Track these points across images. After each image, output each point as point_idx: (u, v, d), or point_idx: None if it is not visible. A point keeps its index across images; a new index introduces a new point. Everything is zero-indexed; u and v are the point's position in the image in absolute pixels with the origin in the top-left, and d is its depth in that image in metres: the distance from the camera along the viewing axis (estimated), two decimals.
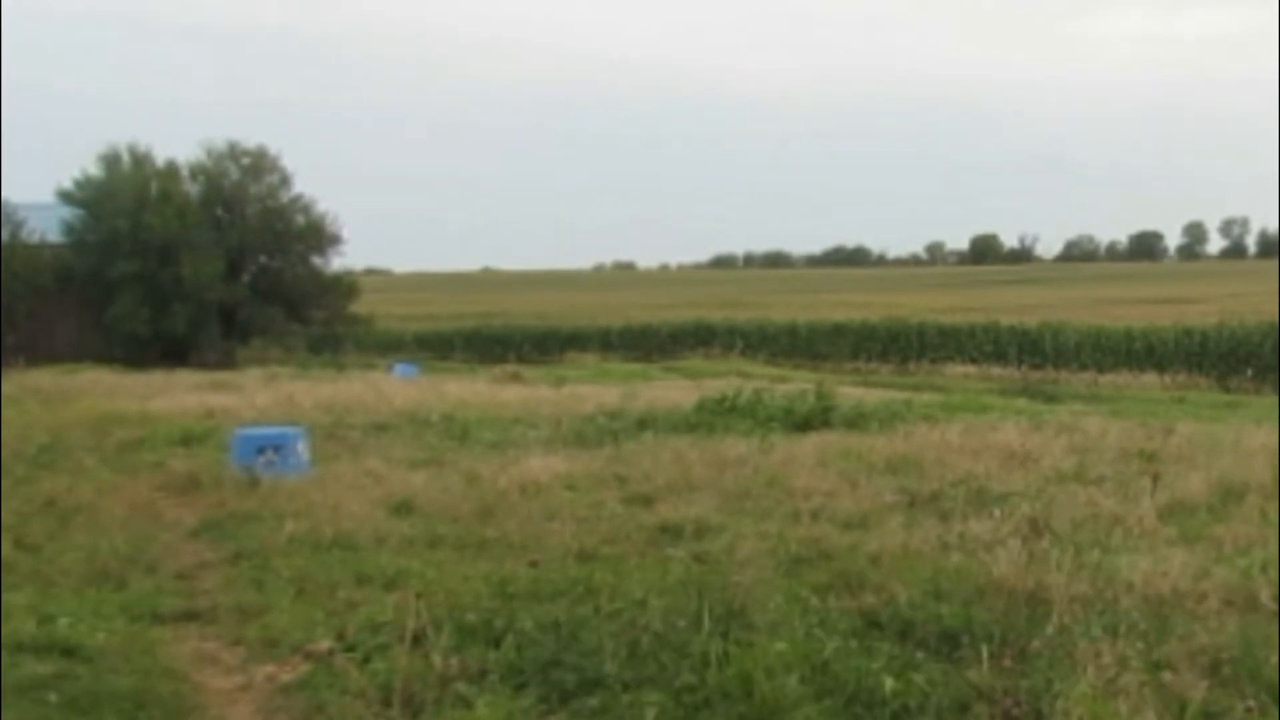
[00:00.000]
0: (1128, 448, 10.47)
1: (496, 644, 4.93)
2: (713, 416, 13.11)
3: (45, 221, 43.60)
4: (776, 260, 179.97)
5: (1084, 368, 31.37)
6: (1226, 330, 28.87)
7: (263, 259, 48.43)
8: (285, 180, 48.65)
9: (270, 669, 5.08)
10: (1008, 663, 4.49)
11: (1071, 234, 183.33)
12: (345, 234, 49.95)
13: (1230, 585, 5.50)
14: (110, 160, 45.06)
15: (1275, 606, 5.19)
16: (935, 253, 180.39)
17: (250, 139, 52.50)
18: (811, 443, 10.87)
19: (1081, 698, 4.05)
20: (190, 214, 44.16)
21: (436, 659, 4.66)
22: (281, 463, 9.88)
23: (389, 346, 46.36)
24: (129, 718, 4.52)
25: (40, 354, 37.03)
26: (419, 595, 5.23)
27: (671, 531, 7.32)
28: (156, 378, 26.07)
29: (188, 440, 12.48)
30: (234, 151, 48.01)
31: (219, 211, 46.98)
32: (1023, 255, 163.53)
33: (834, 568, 6.12)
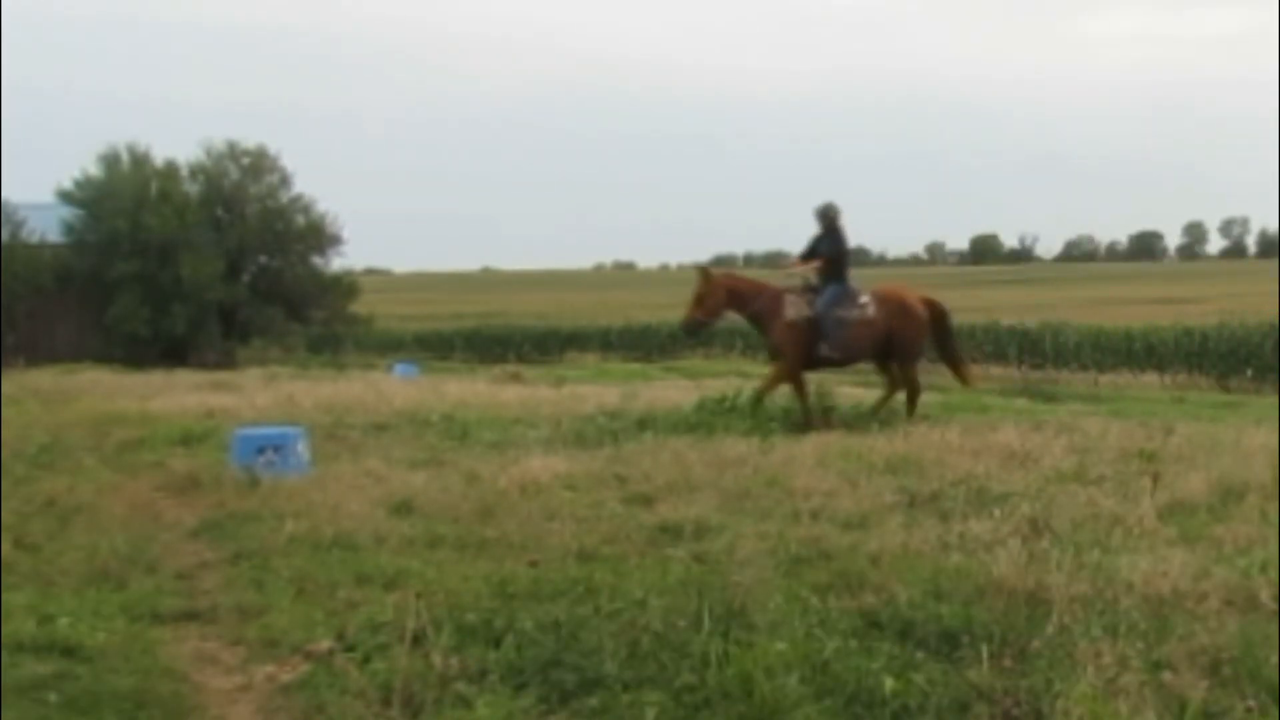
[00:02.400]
0: (1128, 448, 10.46)
1: (496, 644, 4.93)
2: (713, 416, 13.08)
3: (45, 221, 43.59)
4: (776, 260, 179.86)
5: (1084, 368, 31.35)
6: (1226, 330, 28.85)
7: (263, 259, 48.41)
8: (285, 180, 48.68)
9: (270, 669, 5.08)
10: (1008, 663, 4.48)
11: (1071, 234, 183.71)
12: (345, 234, 50.00)
13: (1230, 585, 5.50)
14: (110, 160, 45.07)
15: (1275, 606, 5.19)
16: (935, 253, 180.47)
17: (250, 139, 52.57)
18: (811, 443, 10.87)
19: (1081, 698, 4.05)
20: (190, 214, 44.14)
21: (436, 659, 4.66)
22: (281, 463, 9.87)
23: (389, 346, 46.35)
24: (129, 718, 4.52)
25: (40, 354, 37.04)
26: (419, 595, 5.23)
27: (671, 531, 7.31)
28: (156, 378, 26.07)
29: (188, 440, 12.48)
30: (234, 151, 48.02)
31: (219, 211, 46.98)
32: (1023, 255, 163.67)
33: (834, 568, 6.11)
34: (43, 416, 15.73)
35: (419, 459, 10.64)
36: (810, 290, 13.34)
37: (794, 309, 13.22)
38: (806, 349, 13.19)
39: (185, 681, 4.99)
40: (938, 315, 14.18)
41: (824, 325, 13.10)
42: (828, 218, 13.50)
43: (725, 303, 13.43)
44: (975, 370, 15.33)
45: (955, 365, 14.71)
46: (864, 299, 13.43)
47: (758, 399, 13.20)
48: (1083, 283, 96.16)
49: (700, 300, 13.42)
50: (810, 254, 13.49)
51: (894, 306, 13.61)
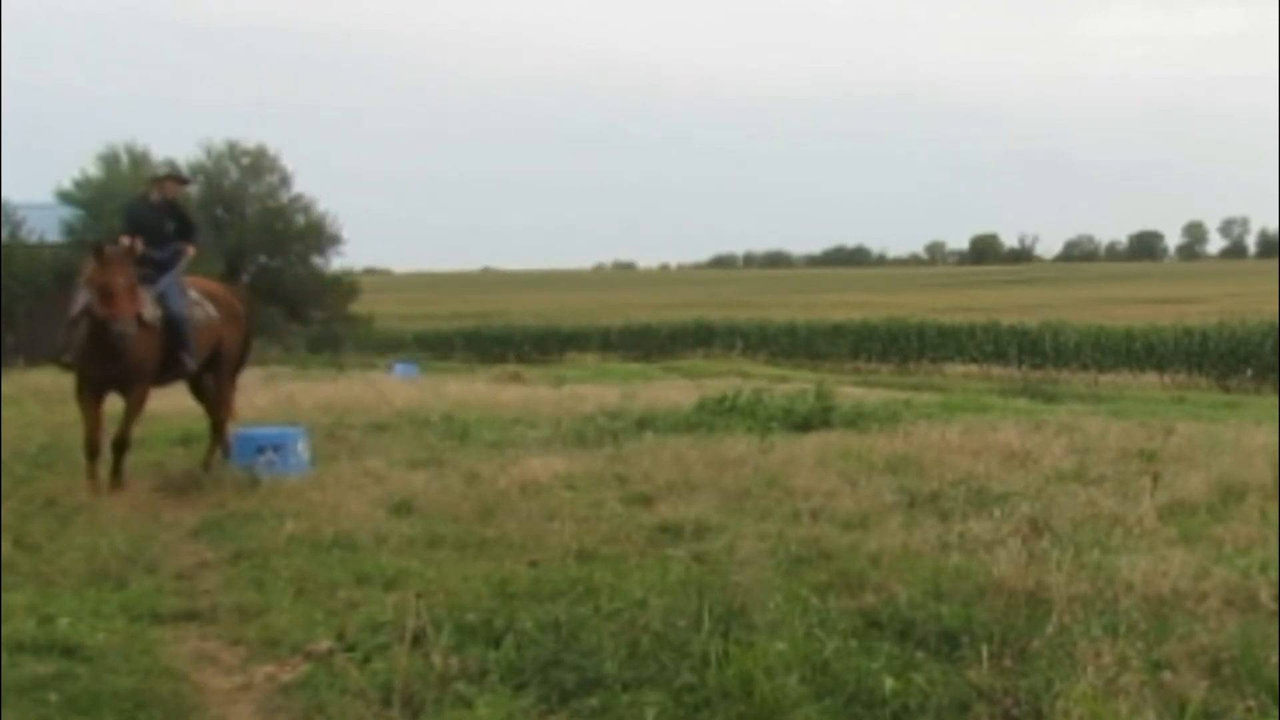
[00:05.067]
0: (1128, 448, 10.47)
1: (496, 644, 4.93)
2: (713, 416, 13.10)
3: (45, 221, 43.57)
4: (776, 260, 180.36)
5: (1084, 368, 31.41)
6: (1226, 330, 28.92)
7: (263, 259, 48.45)
8: (285, 180, 48.76)
9: (270, 669, 5.07)
10: (1008, 663, 4.48)
11: (1071, 234, 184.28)
12: (345, 234, 50.06)
13: (1230, 585, 5.50)
14: (109, 160, 45.11)
15: (1275, 606, 5.20)
16: (935, 253, 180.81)
17: (250, 139, 52.58)
18: (811, 443, 10.87)
19: (1081, 698, 4.04)
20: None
21: (436, 659, 4.66)
22: (281, 463, 9.86)
23: (389, 346, 46.38)
24: (129, 718, 4.52)
25: (40, 354, 36.96)
26: (419, 595, 5.22)
27: (671, 531, 7.31)
28: None
29: (188, 440, 12.46)
30: (234, 151, 48.11)
31: (219, 211, 47.01)
32: (1023, 255, 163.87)
33: (834, 568, 6.11)
34: (43, 416, 15.70)
35: (419, 459, 10.64)
36: (143, 282, 9.62)
37: (150, 309, 9.61)
38: (165, 362, 9.90)
39: (185, 681, 4.98)
40: (252, 322, 11.52)
41: (183, 329, 9.86)
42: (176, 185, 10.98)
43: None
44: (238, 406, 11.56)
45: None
46: (194, 294, 10.25)
47: (119, 442, 9.67)
48: (1083, 283, 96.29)
49: (118, 293, 9.12)
50: (154, 233, 9.98)
51: (224, 305, 10.54)
